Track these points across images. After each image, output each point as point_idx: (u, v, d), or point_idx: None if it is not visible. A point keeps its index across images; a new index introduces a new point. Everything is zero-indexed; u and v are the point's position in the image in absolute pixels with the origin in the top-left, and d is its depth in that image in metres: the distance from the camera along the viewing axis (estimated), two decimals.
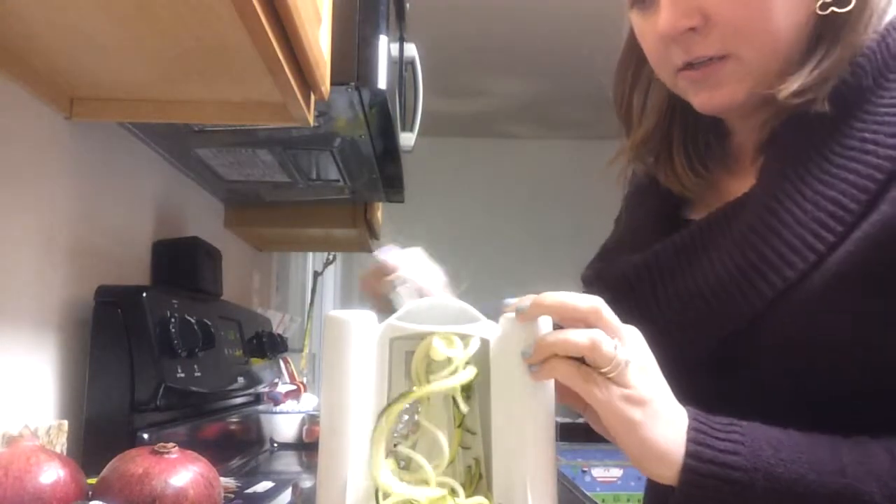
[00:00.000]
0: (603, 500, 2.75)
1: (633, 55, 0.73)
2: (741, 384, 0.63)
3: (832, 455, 0.54)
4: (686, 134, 0.73)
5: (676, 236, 0.68)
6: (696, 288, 0.64)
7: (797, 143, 0.62)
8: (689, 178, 0.71)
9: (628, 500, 2.78)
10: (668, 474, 0.55)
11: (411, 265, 0.85)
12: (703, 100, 0.65)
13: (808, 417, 0.57)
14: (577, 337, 0.53)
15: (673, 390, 0.57)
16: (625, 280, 0.70)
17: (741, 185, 0.67)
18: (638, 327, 0.57)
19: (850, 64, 0.61)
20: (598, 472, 2.87)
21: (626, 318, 0.56)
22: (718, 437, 0.55)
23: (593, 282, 0.75)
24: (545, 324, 0.56)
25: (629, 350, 0.55)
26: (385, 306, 0.78)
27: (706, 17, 0.61)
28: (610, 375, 0.53)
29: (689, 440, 0.55)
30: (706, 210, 0.69)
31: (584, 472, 2.89)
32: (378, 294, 0.82)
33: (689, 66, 0.64)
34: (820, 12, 0.61)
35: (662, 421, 0.54)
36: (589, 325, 0.55)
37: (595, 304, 0.55)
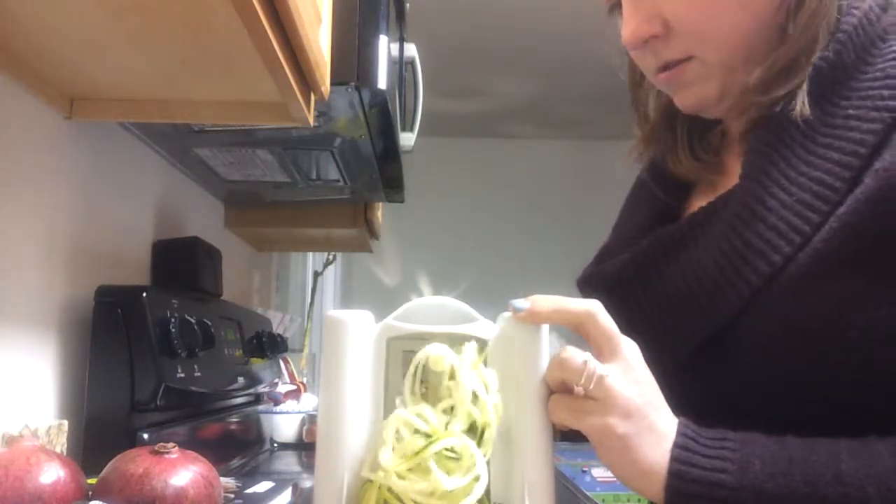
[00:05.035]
0: (603, 500, 2.75)
1: None
2: (730, 382, 0.61)
3: (829, 463, 0.52)
4: (691, 123, 0.73)
5: (662, 231, 0.67)
6: (682, 281, 0.62)
7: (779, 128, 0.61)
8: (691, 164, 0.71)
9: (628, 500, 2.78)
10: (652, 491, 0.53)
11: None
12: (679, 99, 0.67)
13: (801, 413, 0.55)
14: (549, 365, 0.54)
15: (663, 393, 0.55)
16: (613, 279, 0.69)
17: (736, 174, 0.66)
18: (629, 327, 0.56)
19: (829, 42, 0.60)
20: (598, 472, 2.86)
21: (617, 318, 0.56)
22: (705, 453, 0.53)
23: (586, 286, 0.74)
24: (543, 325, 0.56)
25: (615, 361, 0.54)
26: None
27: (666, 23, 0.62)
28: (587, 389, 0.52)
29: (673, 458, 0.53)
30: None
31: (584, 471, 2.89)
32: None
33: (664, 67, 0.65)
34: None
35: (647, 435, 0.53)
36: (584, 330, 0.54)
37: (590, 308, 0.54)
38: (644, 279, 0.66)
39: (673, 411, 0.56)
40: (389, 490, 0.51)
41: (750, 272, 0.58)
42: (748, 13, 0.61)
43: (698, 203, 0.69)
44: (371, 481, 0.52)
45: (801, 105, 0.59)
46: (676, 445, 0.53)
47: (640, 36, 0.63)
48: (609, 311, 0.55)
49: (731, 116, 0.69)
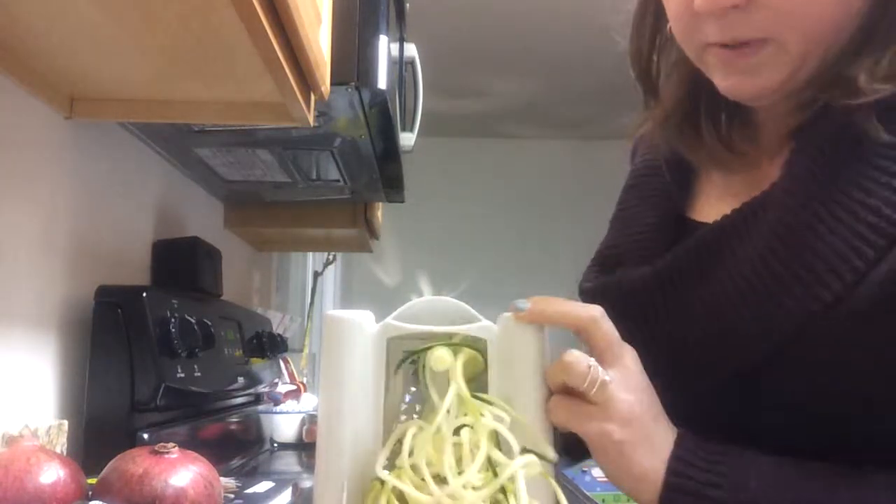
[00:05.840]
0: (603, 500, 2.75)
1: (652, 7, 0.66)
2: (757, 412, 0.58)
3: (826, 488, 0.51)
4: (714, 104, 0.65)
5: (689, 243, 0.61)
6: (715, 307, 0.57)
7: (832, 139, 0.55)
8: (718, 149, 0.64)
9: (628, 500, 2.78)
10: (645, 498, 0.53)
11: None
12: (732, 84, 0.58)
13: (828, 452, 0.53)
14: (552, 366, 0.53)
15: (681, 415, 0.55)
16: (634, 295, 0.64)
17: (764, 174, 0.61)
18: (648, 347, 0.55)
19: None
20: (598, 472, 2.86)
21: (635, 336, 0.54)
22: (701, 467, 0.52)
23: (596, 297, 0.69)
24: (543, 326, 0.56)
25: (616, 368, 0.53)
26: None
27: None
28: (589, 394, 0.52)
29: (669, 470, 0.52)
30: (714, 208, 0.64)
31: (584, 472, 2.89)
32: None
33: (729, 43, 0.56)
34: None
35: (644, 444, 0.52)
36: (587, 334, 0.54)
37: (594, 314, 0.54)
38: (668, 299, 0.61)
39: (681, 425, 0.55)
40: (392, 490, 0.51)
41: (797, 308, 0.53)
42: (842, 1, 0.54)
43: (712, 202, 0.66)
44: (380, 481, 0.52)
45: (875, 124, 0.53)
46: (673, 457, 0.53)
47: (721, 4, 0.53)
48: (624, 330, 0.54)
49: (778, 110, 0.61)
